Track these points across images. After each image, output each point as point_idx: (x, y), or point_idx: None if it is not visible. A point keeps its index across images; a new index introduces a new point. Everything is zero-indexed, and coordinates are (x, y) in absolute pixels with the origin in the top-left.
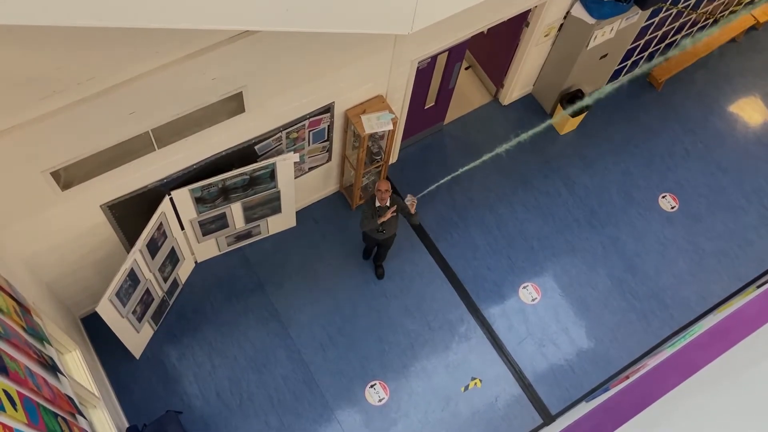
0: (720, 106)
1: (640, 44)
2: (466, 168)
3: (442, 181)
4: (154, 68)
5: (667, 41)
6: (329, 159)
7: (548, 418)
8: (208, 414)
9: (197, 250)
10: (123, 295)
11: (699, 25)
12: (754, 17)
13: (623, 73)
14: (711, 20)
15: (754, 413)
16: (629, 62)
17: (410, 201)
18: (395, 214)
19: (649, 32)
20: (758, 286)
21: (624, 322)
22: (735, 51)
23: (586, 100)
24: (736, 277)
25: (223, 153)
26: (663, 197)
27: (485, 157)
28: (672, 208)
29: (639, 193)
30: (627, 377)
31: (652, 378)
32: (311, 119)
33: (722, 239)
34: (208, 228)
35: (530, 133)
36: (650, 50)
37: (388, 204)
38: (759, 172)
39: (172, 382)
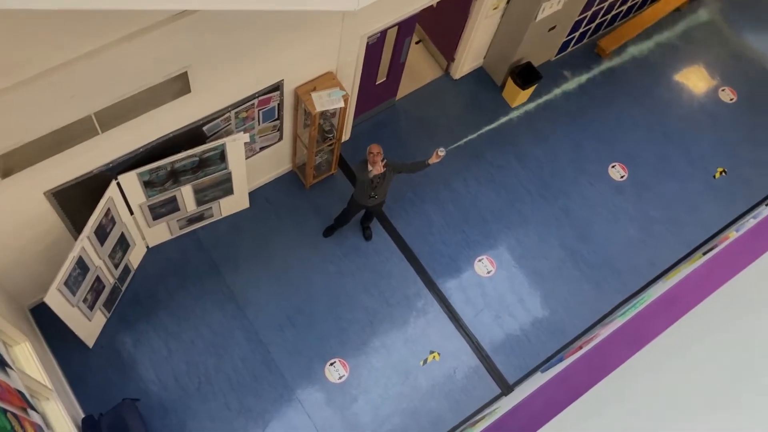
0: (666, 75)
1: (587, 16)
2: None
3: (471, 136)
4: (94, 50)
5: (613, 12)
6: (280, 138)
7: (506, 388)
8: (167, 399)
9: (148, 234)
10: (72, 283)
11: None
12: None
13: (571, 45)
14: None
15: (703, 388)
16: (577, 34)
17: (443, 152)
18: (384, 178)
19: (596, 3)
20: (704, 253)
21: (577, 290)
22: (679, 20)
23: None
24: (684, 242)
25: (171, 135)
26: (612, 167)
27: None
28: (621, 177)
29: (589, 163)
30: (580, 347)
31: (604, 349)
32: (260, 98)
33: (670, 206)
34: (158, 212)
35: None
36: (597, 21)
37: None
38: (704, 139)
39: (128, 369)
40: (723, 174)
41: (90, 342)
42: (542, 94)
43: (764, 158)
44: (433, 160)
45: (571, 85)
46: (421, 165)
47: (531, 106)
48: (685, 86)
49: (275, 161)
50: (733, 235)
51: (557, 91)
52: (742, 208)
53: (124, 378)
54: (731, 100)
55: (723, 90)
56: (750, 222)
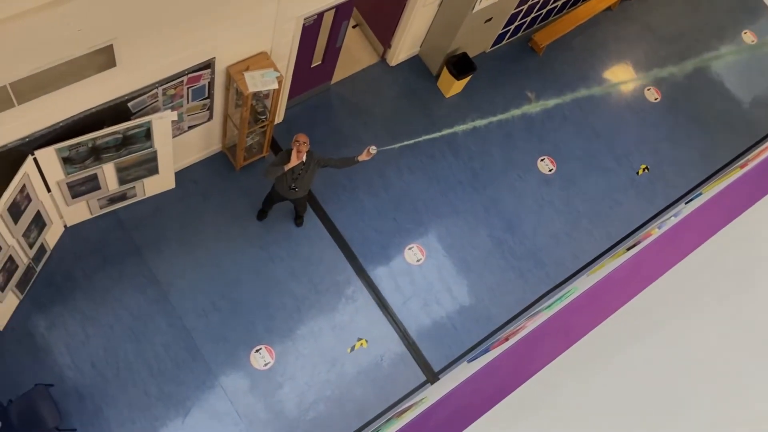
0: (596, 72)
1: (522, 9)
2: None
3: (406, 143)
4: (10, 16)
5: (548, 7)
6: (210, 118)
7: (431, 376)
8: (83, 385)
9: (66, 213)
10: None
11: None
12: None
13: (506, 38)
14: None
15: (631, 390)
16: (512, 27)
17: (374, 151)
18: (306, 169)
19: None
20: (628, 248)
21: (503, 280)
22: (610, 19)
23: None
24: (607, 236)
25: (93, 110)
26: (541, 160)
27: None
28: (550, 170)
29: (519, 155)
30: (506, 338)
31: (532, 343)
32: (190, 75)
33: (595, 200)
34: (77, 190)
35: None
36: (532, 15)
37: (304, 159)
38: (628, 136)
39: (42, 353)
40: (646, 171)
41: (0, 324)
42: (476, 85)
43: (683, 157)
44: (363, 157)
45: (505, 77)
46: (350, 161)
47: (465, 96)
48: (614, 84)
49: (204, 141)
50: (655, 232)
51: (491, 83)
52: (662, 204)
53: (37, 363)
54: (656, 99)
55: (648, 89)
56: (671, 220)
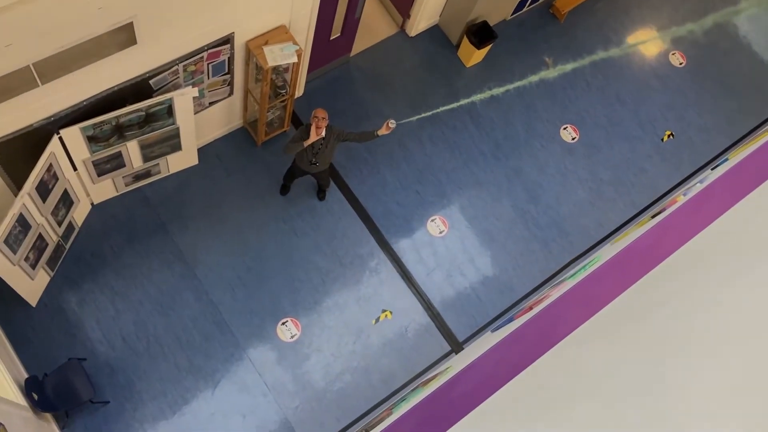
0: (619, 37)
1: None
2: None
3: (423, 115)
4: None
5: None
6: (231, 93)
7: (456, 346)
8: (114, 359)
9: (93, 191)
10: (13, 241)
11: None
12: None
13: (527, 5)
14: None
15: (654, 358)
16: None
17: (393, 125)
18: (326, 144)
19: None
20: (653, 216)
21: (527, 250)
22: None
23: None
24: (631, 204)
25: (116, 88)
26: (564, 129)
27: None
28: (573, 139)
29: (542, 124)
30: (530, 308)
31: (554, 313)
32: (210, 51)
33: (619, 168)
34: (103, 168)
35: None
36: None
37: (323, 134)
38: (654, 102)
39: (74, 328)
40: (671, 137)
41: (33, 301)
42: (497, 54)
43: (709, 122)
44: (383, 131)
45: (526, 45)
46: (370, 135)
47: (485, 65)
48: (637, 49)
49: (225, 117)
50: (681, 198)
51: (512, 52)
52: (688, 171)
53: (70, 337)
54: (681, 64)
55: (673, 54)
56: (697, 186)
